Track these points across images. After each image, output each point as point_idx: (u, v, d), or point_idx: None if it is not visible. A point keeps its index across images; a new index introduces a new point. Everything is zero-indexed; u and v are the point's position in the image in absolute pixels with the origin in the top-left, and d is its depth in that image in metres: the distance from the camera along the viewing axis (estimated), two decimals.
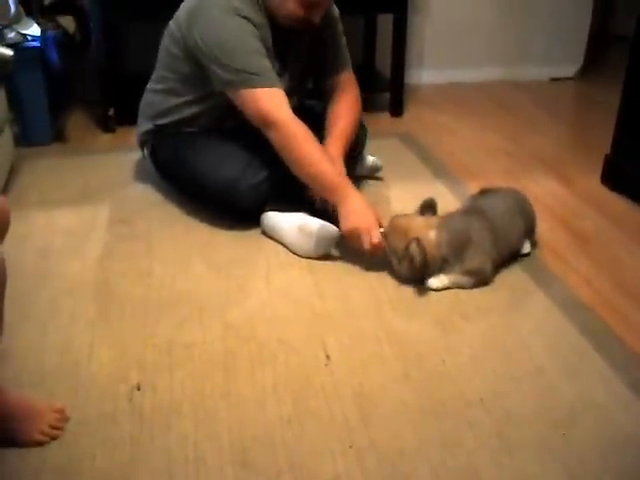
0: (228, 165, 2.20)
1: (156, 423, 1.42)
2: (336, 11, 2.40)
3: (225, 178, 2.17)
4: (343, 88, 2.39)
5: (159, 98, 2.37)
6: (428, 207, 1.98)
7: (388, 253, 1.94)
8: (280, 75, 2.22)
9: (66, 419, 1.41)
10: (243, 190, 2.16)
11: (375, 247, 1.93)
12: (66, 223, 2.29)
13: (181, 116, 2.33)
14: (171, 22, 2.26)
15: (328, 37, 2.38)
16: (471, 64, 4.15)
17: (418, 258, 1.84)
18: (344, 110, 2.34)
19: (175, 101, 2.32)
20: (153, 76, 2.41)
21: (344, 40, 2.43)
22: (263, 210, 2.20)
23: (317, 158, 2.05)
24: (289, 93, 2.19)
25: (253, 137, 2.25)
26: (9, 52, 2.48)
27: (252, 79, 2.08)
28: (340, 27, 2.41)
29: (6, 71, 2.50)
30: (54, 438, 1.37)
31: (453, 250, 1.89)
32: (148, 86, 2.43)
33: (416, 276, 1.90)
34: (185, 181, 2.35)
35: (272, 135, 2.08)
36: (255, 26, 2.12)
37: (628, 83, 2.54)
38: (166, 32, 2.29)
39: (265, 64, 2.11)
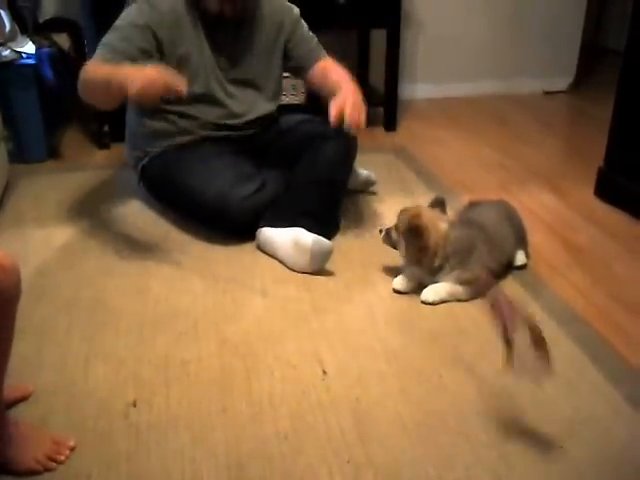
0: (218, 179, 2.21)
1: (152, 440, 1.42)
2: (296, 11, 2.48)
3: (215, 191, 2.18)
4: (325, 66, 2.44)
5: (133, 117, 2.45)
6: (439, 204, 2.01)
7: (396, 243, 1.97)
8: (229, 67, 2.33)
9: (65, 453, 1.36)
10: (233, 203, 2.16)
11: (143, 89, 1.84)
12: (62, 240, 2.29)
13: (155, 130, 2.38)
14: None
15: (298, 38, 2.46)
16: (464, 78, 4.17)
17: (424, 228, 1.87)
18: (337, 72, 2.37)
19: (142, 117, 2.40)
20: None
21: (312, 34, 2.51)
22: (254, 225, 2.20)
23: (100, 72, 2.05)
24: (258, 87, 2.39)
25: (242, 152, 2.31)
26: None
27: (99, 48, 2.18)
28: (304, 24, 2.49)
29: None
30: (48, 469, 1.33)
31: (458, 255, 1.91)
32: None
33: (418, 258, 1.92)
34: (176, 199, 2.36)
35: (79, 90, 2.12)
36: (161, 13, 2.19)
37: (620, 96, 2.56)
38: None
39: (118, 45, 2.14)
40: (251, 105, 2.42)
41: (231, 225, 2.22)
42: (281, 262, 2.12)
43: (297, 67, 2.50)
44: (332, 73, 2.37)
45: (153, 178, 2.41)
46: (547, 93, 4.26)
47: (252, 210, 2.19)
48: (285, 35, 2.44)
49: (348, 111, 2.03)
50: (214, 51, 2.30)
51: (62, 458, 1.35)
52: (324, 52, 2.51)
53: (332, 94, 2.15)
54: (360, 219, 2.46)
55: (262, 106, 2.46)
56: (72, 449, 1.38)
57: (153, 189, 2.46)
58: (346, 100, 2.07)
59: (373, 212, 2.52)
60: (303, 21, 2.50)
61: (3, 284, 1.19)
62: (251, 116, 2.42)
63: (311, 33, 2.51)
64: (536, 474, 1.34)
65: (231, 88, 2.37)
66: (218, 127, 2.34)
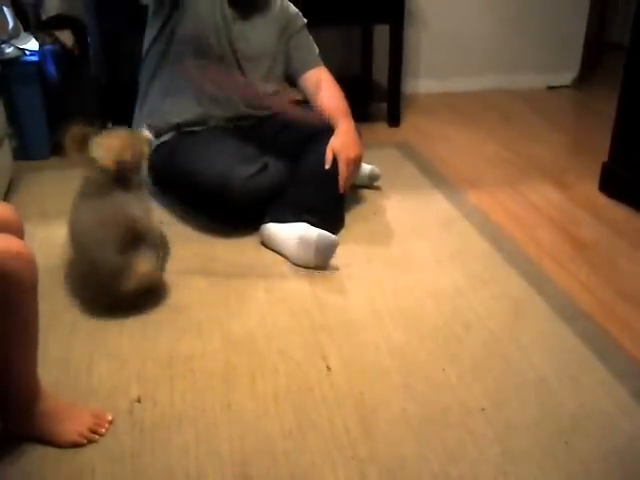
0: (220, 160, 2.22)
1: (157, 436, 1.42)
2: (303, 20, 2.55)
3: (218, 172, 2.17)
4: (322, 78, 2.52)
5: (144, 98, 2.50)
6: None
7: None
8: (244, 37, 2.41)
9: (105, 426, 1.43)
10: (235, 184, 2.16)
11: None
12: (65, 236, 2.28)
13: (164, 104, 2.42)
14: None
15: (300, 42, 2.54)
16: (468, 73, 4.17)
17: None
18: (332, 93, 2.47)
19: (154, 89, 2.45)
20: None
21: (314, 46, 2.58)
22: (256, 210, 2.21)
23: None
24: (257, 60, 2.45)
25: (244, 136, 2.37)
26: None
27: None
28: (309, 34, 2.58)
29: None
30: (91, 441, 1.39)
31: None
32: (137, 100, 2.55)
33: None
34: (180, 185, 2.36)
35: None
36: None
37: (624, 91, 2.55)
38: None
39: None
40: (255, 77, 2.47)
41: (233, 208, 2.21)
42: (285, 257, 2.12)
43: (292, 72, 2.56)
44: (329, 97, 2.46)
45: (157, 166, 2.42)
46: (551, 88, 4.25)
47: (254, 192, 2.18)
48: (290, 33, 2.50)
49: (343, 174, 2.22)
50: (228, 21, 2.37)
51: (103, 431, 1.42)
52: (321, 63, 2.56)
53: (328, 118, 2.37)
54: (364, 214, 2.45)
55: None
56: (110, 422, 1.44)
57: (157, 178, 2.46)
58: (341, 154, 2.22)
59: (377, 208, 2.51)
60: (307, 31, 2.57)
61: (23, 273, 1.21)
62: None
63: (314, 44, 2.57)
64: (541, 469, 1.34)
65: (242, 60, 2.42)
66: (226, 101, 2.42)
